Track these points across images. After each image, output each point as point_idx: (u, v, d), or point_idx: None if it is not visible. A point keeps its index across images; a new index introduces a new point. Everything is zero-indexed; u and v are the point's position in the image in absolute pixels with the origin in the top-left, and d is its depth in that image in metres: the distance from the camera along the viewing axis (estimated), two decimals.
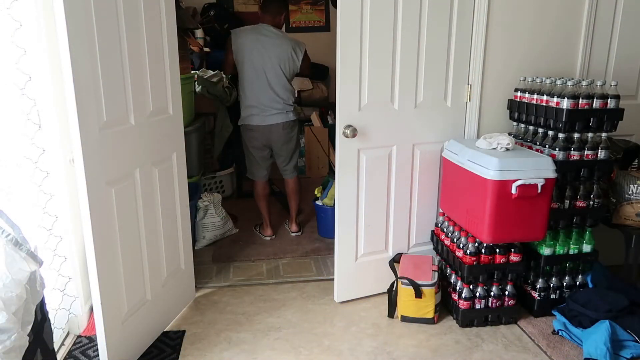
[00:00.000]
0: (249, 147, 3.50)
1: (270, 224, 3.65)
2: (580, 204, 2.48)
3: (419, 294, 2.48)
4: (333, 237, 2.69)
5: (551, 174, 2.28)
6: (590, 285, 2.53)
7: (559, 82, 2.41)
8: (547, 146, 2.43)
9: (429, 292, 2.49)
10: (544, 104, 2.43)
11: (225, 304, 2.73)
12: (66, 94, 1.78)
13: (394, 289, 2.60)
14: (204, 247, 3.46)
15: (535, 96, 2.49)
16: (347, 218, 2.64)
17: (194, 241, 3.31)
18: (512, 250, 2.46)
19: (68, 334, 2.42)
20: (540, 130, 2.52)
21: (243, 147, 3.56)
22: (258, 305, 2.72)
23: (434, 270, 2.57)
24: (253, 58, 3.28)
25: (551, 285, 2.56)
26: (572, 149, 2.39)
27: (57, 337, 2.25)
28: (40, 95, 2.11)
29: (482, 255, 2.44)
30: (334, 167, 2.63)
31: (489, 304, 2.50)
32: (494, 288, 2.49)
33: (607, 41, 2.78)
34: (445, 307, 2.64)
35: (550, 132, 2.44)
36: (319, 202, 3.62)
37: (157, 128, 2.31)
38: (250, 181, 4.30)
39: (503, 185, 2.23)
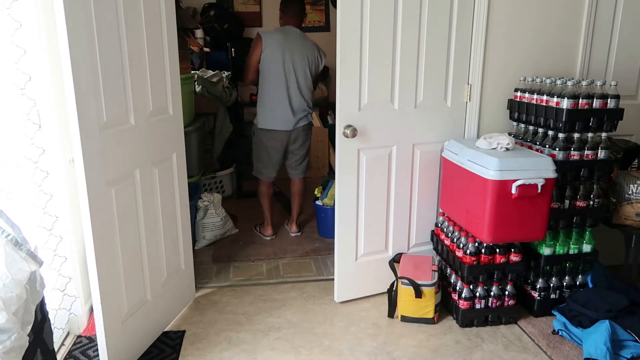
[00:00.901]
0: (267, 148, 3.43)
1: (271, 224, 3.65)
2: (580, 204, 2.48)
3: (419, 294, 2.48)
4: (333, 237, 2.69)
5: (551, 174, 2.28)
6: (590, 285, 2.53)
7: (559, 82, 2.41)
8: (547, 146, 2.43)
9: (429, 292, 2.49)
10: (544, 104, 2.43)
11: (225, 304, 2.73)
12: (66, 94, 1.78)
13: (394, 289, 2.60)
14: (204, 247, 3.46)
15: (535, 96, 2.49)
16: (347, 218, 2.64)
17: (194, 241, 3.30)
18: (512, 250, 2.46)
19: (68, 334, 2.42)
20: (540, 130, 2.52)
21: (255, 146, 3.52)
22: (258, 305, 2.72)
23: (434, 270, 2.57)
24: (284, 60, 3.26)
25: (551, 285, 2.56)
26: (572, 149, 2.39)
27: (57, 337, 2.25)
28: (40, 95, 2.11)
29: (482, 255, 2.44)
30: (334, 167, 2.63)
31: (489, 304, 2.50)
32: (494, 288, 2.49)
33: (607, 41, 2.78)
34: (445, 307, 2.64)
35: (550, 132, 2.44)
36: (319, 202, 3.62)
37: (157, 128, 2.31)
38: (250, 181, 4.31)
39: (503, 185, 2.23)
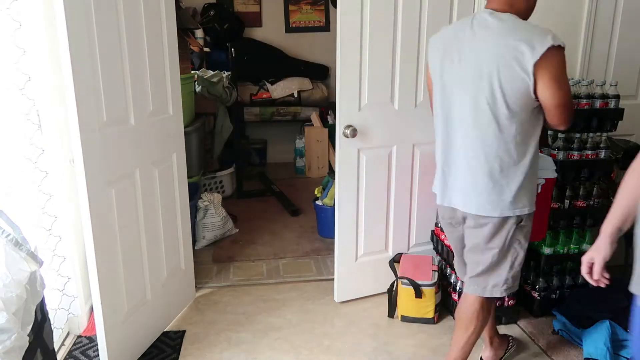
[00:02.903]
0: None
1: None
2: (580, 204, 2.48)
3: (419, 294, 2.48)
4: (333, 237, 2.69)
5: (551, 173, 2.28)
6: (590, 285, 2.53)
7: None
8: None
9: (429, 292, 2.49)
10: None
11: (225, 304, 2.73)
12: (66, 94, 1.78)
13: (394, 289, 2.60)
14: (204, 247, 3.45)
15: None
16: (347, 218, 2.64)
17: (194, 241, 3.30)
18: None
19: (68, 334, 2.42)
20: None
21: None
22: (258, 305, 2.72)
23: (434, 270, 2.57)
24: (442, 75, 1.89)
25: (551, 285, 2.56)
26: (572, 148, 2.39)
27: (57, 337, 2.24)
28: (40, 95, 2.11)
29: None
30: (334, 167, 2.63)
31: None
32: None
33: (607, 41, 2.78)
34: (445, 307, 2.63)
35: (550, 132, 2.44)
36: (319, 202, 3.62)
37: (157, 128, 2.31)
38: (250, 181, 4.30)
39: None
